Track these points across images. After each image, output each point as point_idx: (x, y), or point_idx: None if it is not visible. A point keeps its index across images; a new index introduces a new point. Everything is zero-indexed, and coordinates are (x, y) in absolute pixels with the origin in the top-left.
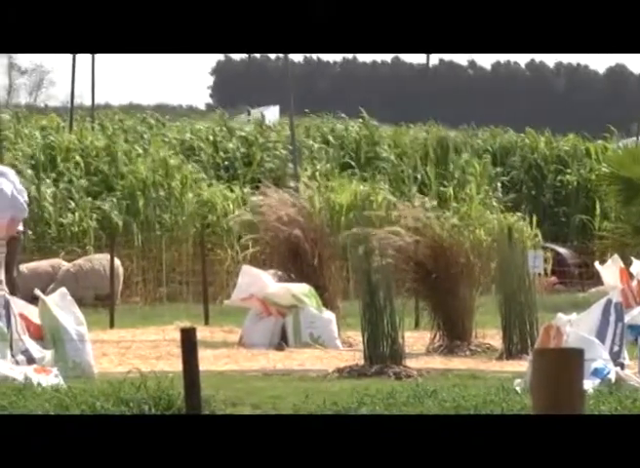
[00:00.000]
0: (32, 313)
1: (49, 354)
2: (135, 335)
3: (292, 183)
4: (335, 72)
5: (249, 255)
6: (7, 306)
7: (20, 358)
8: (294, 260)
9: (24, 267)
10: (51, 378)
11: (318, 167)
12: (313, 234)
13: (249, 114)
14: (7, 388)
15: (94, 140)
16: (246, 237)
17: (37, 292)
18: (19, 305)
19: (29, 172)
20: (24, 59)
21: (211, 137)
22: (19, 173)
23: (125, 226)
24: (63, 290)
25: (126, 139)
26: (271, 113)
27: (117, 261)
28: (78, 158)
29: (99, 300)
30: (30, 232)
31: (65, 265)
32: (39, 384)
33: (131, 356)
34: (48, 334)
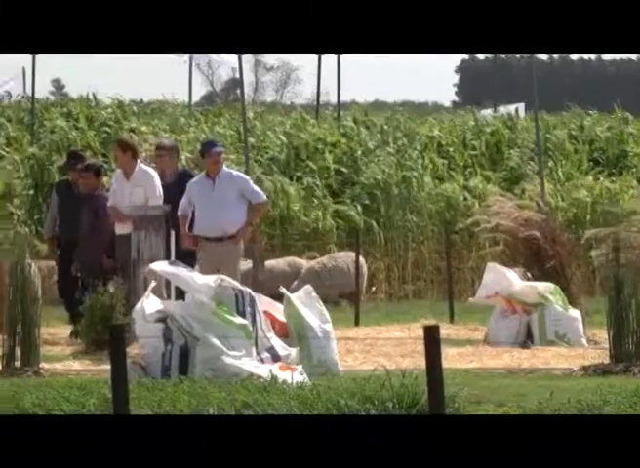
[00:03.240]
0: (277, 310)
1: (294, 352)
2: (379, 333)
3: (537, 181)
4: (578, 70)
5: (493, 254)
6: (252, 304)
7: (266, 355)
8: (535, 259)
9: None
10: (296, 376)
11: (564, 164)
12: (554, 233)
13: (495, 111)
14: (252, 385)
15: (339, 138)
16: (488, 236)
17: (282, 289)
18: (264, 303)
19: (274, 169)
20: (271, 57)
21: (458, 135)
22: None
23: (365, 224)
24: (309, 287)
25: (372, 138)
26: (517, 110)
27: (361, 259)
28: (322, 156)
29: (342, 298)
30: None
31: (308, 263)
32: (284, 382)
33: (375, 353)
34: (293, 332)
